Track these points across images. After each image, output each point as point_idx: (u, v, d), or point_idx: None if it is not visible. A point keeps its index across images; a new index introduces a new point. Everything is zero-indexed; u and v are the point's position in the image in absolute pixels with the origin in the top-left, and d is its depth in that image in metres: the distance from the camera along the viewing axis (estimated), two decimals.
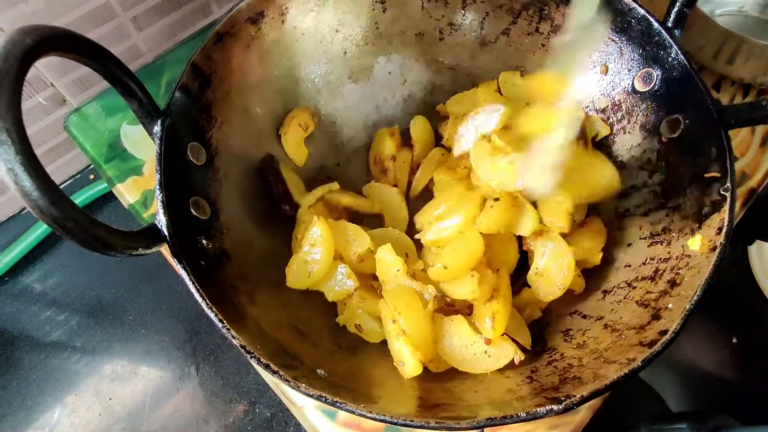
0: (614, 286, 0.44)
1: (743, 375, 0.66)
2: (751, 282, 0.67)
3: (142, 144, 0.64)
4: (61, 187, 0.74)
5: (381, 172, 0.58)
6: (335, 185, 0.54)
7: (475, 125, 0.49)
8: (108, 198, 0.78)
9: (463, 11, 0.56)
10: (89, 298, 0.66)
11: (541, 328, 0.46)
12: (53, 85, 0.70)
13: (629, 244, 0.46)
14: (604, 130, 0.51)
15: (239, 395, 0.63)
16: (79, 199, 0.74)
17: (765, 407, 0.67)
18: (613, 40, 0.49)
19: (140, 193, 0.62)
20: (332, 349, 0.42)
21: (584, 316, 0.43)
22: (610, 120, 0.51)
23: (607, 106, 0.51)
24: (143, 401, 0.60)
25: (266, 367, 0.33)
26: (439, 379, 0.41)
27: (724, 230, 0.38)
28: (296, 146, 0.55)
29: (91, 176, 0.79)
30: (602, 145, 0.51)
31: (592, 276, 0.48)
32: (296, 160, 0.56)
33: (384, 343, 0.46)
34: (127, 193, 0.61)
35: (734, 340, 0.67)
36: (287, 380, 0.33)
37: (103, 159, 0.63)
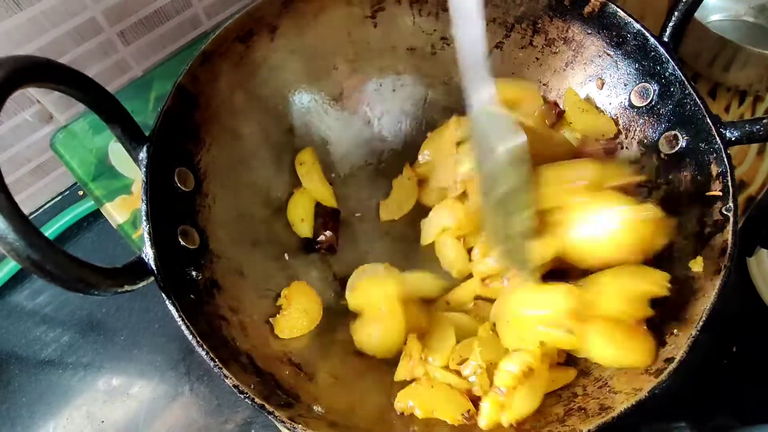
0: None
1: (743, 377, 0.65)
2: (750, 289, 0.67)
3: (131, 162, 0.62)
4: (49, 204, 0.72)
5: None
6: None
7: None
8: (99, 214, 0.76)
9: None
10: (80, 317, 0.65)
11: None
12: (39, 102, 0.68)
13: None
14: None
15: (234, 415, 0.62)
16: (69, 216, 0.72)
17: (765, 407, 0.67)
18: (609, 55, 0.48)
19: (129, 212, 0.60)
20: (329, 382, 0.41)
21: None
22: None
23: None
24: (136, 423, 0.59)
25: (261, 407, 0.32)
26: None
27: (727, 252, 0.37)
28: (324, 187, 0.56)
29: (80, 192, 0.78)
30: None
31: None
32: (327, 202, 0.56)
33: (385, 372, 0.44)
34: (116, 213, 0.60)
35: (734, 349, 0.67)
36: (283, 421, 0.32)
37: (91, 178, 0.61)
